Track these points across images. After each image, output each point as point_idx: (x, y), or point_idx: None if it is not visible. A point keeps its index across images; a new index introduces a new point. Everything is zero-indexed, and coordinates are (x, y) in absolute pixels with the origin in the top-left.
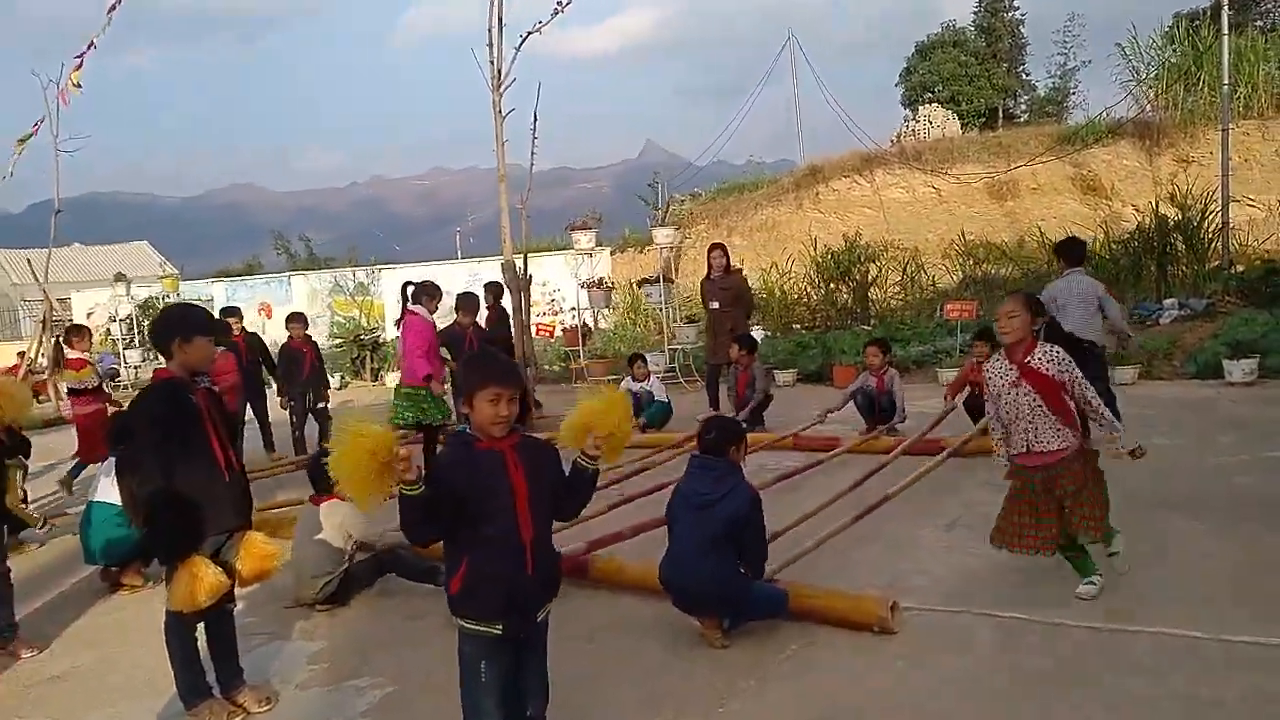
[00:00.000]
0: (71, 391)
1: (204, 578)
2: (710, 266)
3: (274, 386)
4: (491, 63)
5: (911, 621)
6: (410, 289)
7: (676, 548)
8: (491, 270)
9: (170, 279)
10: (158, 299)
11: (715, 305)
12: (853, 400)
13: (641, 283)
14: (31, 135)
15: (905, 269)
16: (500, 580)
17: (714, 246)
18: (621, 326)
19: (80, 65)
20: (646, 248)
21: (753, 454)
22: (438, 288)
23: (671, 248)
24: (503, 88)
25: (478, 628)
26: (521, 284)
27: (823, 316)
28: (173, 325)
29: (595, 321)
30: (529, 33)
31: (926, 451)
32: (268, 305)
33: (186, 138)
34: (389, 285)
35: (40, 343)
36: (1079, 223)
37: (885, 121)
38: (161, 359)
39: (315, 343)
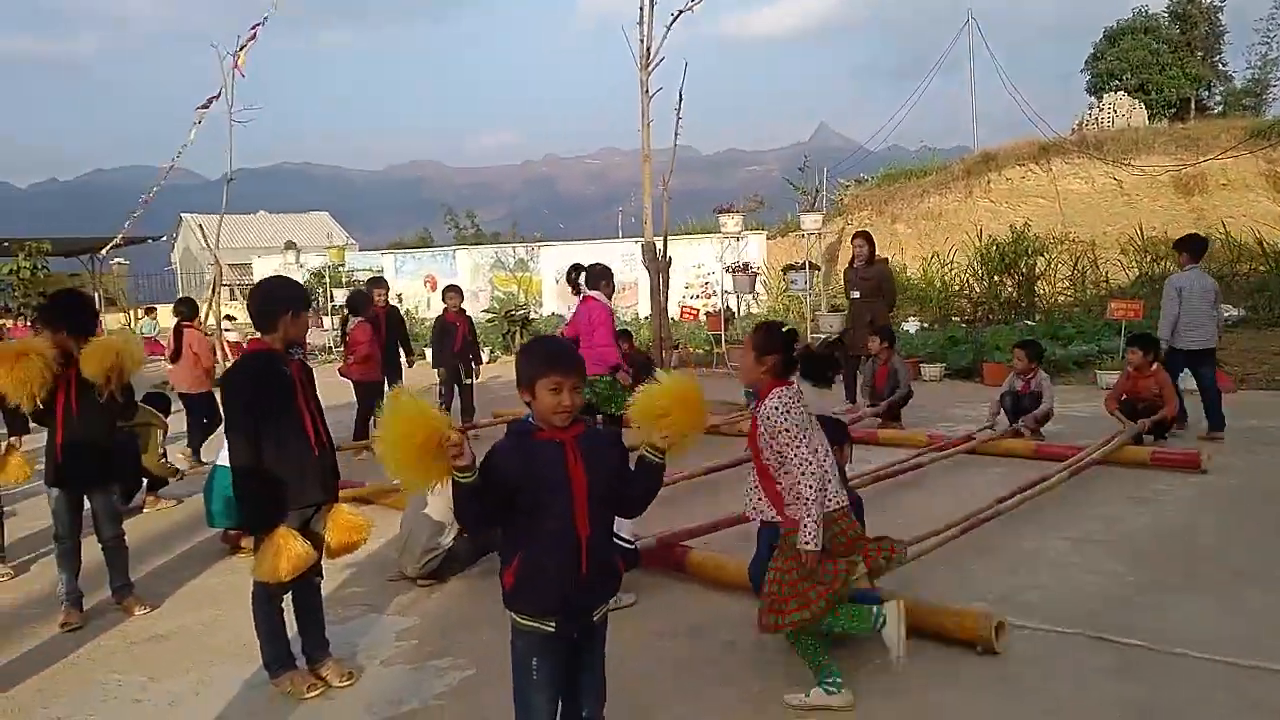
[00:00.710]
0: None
1: (289, 550)
2: (854, 255)
3: (406, 361)
4: (641, 41)
5: (1020, 642)
6: (581, 274)
7: (763, 549)
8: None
9: (337, 249)
10: (326, 268)
11: (856, 295)
12: (1000, 403)
13: (786, 269)
14: (208, 106)
15: (1077, 263)
16: (553, 576)
17: (857, 234)
18: (774, 312)
19: (254, 37)
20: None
21: (881, 446)
22: (611, 272)
23: (818, 234)
24: (651, 66)
25: (530, 623)
26: (660, 266)
27: (985, 310)
28: (284, 298)
29: (739, 306)
30: (680, 11)
31: (1059, 457)
32: (433, 278)
33: (375, 115)
34: (547, 262)
35: (211, 305)
36: (1269, 222)
37: (1067, 109)
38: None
39: (469, 316)
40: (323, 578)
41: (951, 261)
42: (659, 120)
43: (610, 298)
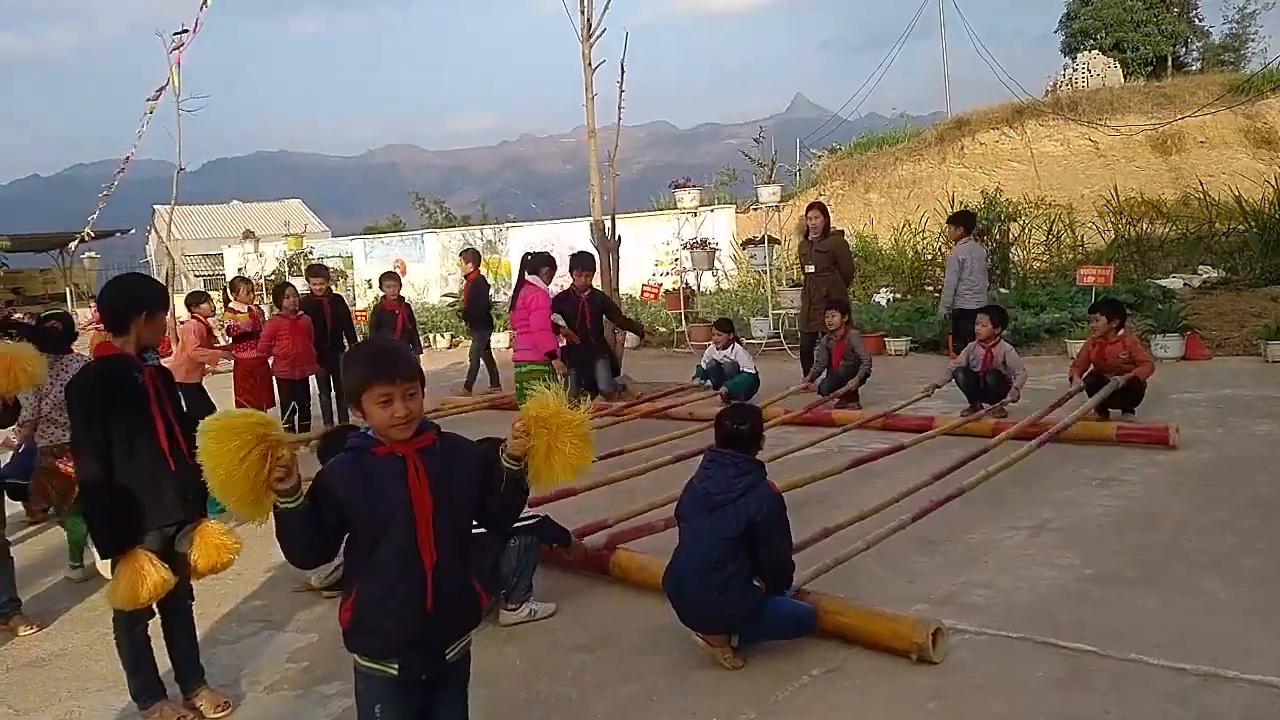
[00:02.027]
0: (240, 337)
1: (147, 574)
2: (808, 227)
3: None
4: (582, 12)
5: (961, 648)
6: (529, 258)
7: (681, 554)
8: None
9: (294, 238)
10: (289, 256)
11: (811, 269)
12: (955, 378)
13: (745, 243)
14: (156, 97)
15: (1051, 228)
16: (393, 611)
17: (811, 206)
18: (744, 288)
19: (195, 28)
20: (782, 204)
21: (835, 436)
22: (552, 259)
23: (777, 206)
24: (592, 39)
25: (371, 665)
26: (610, 245)
27: None
28: (136, 298)
29: (698, 284)
30: None
31: (1030, 437)
32: (402, 262)
33: (352, 101)
34: (516, 244)
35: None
36: (1250, 178)
37: (1042, 72)
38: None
39: (408, 304)
40: (193, 599)
41: (924, 230)
42: (606, 94)
43: (549, 282)
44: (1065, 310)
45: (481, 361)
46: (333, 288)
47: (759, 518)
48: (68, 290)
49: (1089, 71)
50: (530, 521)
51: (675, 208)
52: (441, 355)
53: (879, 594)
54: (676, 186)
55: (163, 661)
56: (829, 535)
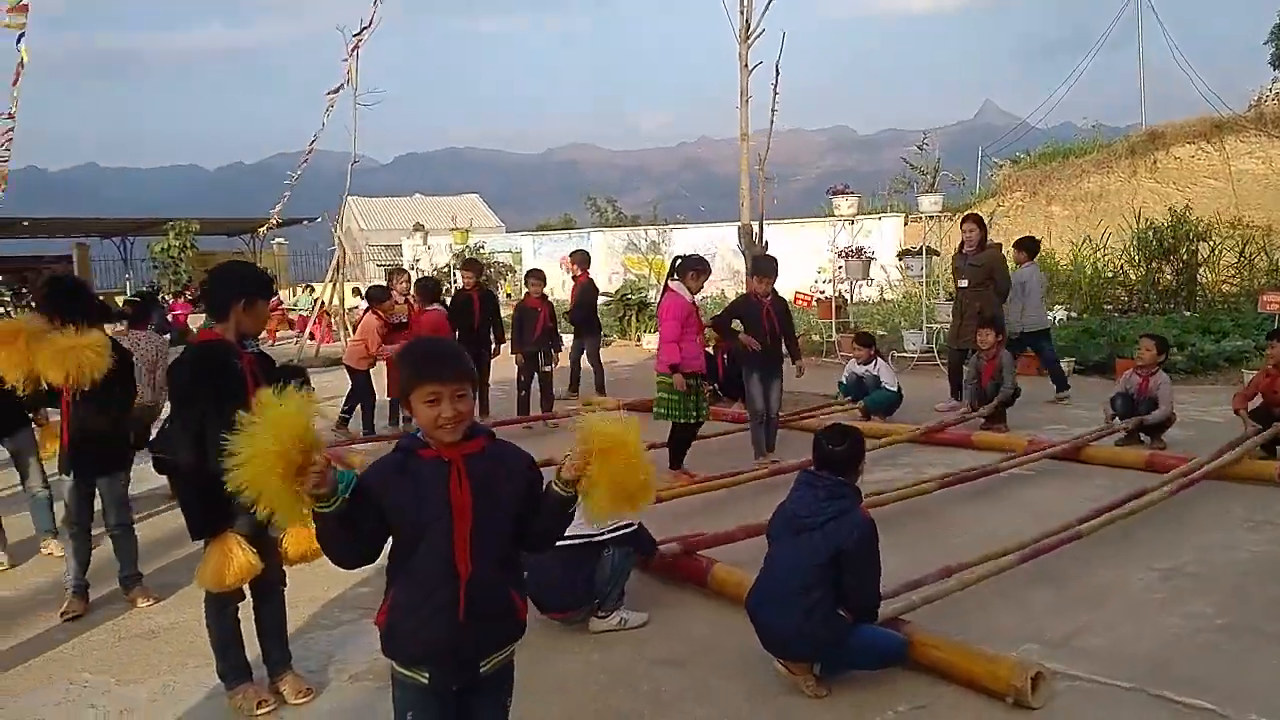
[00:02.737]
0: (396, 328)
1: (234, 557)
2: (963, 240)
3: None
4: (741, 13)
5: (1065, 695)
6: (678, 262)
7: (766, 576)
8: (794, 234)
9: (460, 232)
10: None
11: (964, 284)
12: (1111, 404)
13: (902, 254)
14: (337, 91)
15: (1244, 249)
16: (425, 619)
17: (967, 217)
18: (908, 299)
19: (370, 24)
20: (957, 214)
21: (976, 450)
22: (705, 263)
23: (936, 216)
24: (751, 39)
25: (403, 672)
26: (757, 251)
27: (1140, 298)
28: (236, 284)
29: (852, 293)
30: None
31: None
32: (566, 259)
33: (538, 99)
34: (680, 245)
35: (334, 286)
36: None
37: (1247, 85)
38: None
39: (551, 303)
40: (285, 585)
41: (1105, 246)
42: (761, 96)
43: (696, 291)
44: (1250, 339)
45: (590, 365)
46: (497, 282)
47: (847, 545)
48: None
49: None
50: (626, 531)
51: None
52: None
53: (987, 629)
54: (834, 193)
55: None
56: (950, 575)
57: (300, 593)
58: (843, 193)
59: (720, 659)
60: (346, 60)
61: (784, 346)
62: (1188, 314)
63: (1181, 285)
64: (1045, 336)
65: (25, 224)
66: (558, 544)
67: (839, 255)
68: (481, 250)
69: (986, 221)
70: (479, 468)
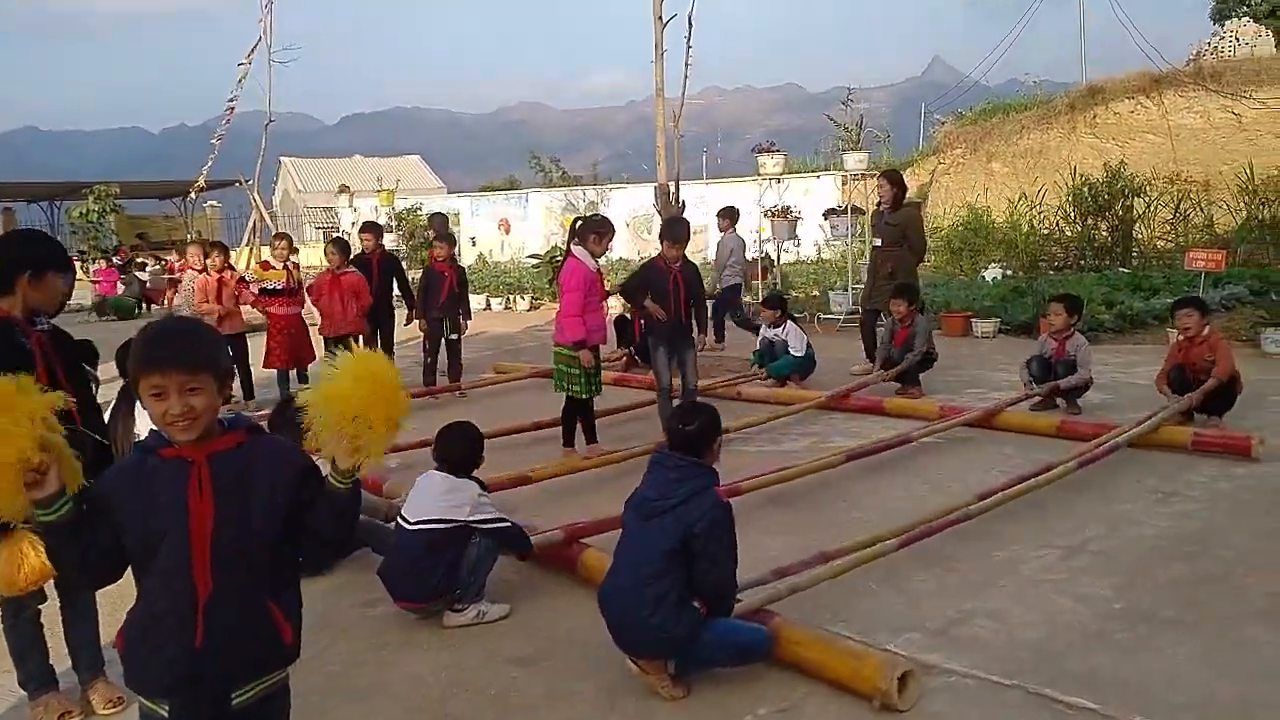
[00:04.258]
0: (268, 292)
1: (26, 558)
2: (879, 198)
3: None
4: None
5: (938, 694)
6: (577, 224)
7: (614, 566)
8: (724, 194)
9: (386, 193)
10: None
11: (878, 243)
12: (1027, 368)
13: (828, 213)
14: (252, 52)
15: (1179, 205)
16: (157, 646)
17: (883, 174)
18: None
19: None
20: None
21: (888, 417)
22: (608, 223)
23: (861, 175)
24: None
25: (146, 704)
26: (673, 211)
27: (1076, 256)
28: (21, 256)
29: (778, 256)
30: None
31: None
32: (506, 221)
33: (487, 57)
34: (619, 205)
35: (249, 251)
36: None
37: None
38: None
39: (460, 266)
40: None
41: (1041, 203)
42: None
43: (601, 255)
44: (1180, 295)
45: None
46: (432, 244)
47: (698, 528)
48: (189, 235)
49: (1238, 40)
50: (497, 525)
51: (795, 173)
52: (522, 317)
53: (868, 615)
54: (759, 151)
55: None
56: (828, 561)
57: (117, 596)
58: (768, 150)
59: (579, 656)
60: (261, 19)
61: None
62: (1124, 270)
63: (1117, 242)
64: (735, 292)
65: None
66: (420, 525)
67: (764, 215)
68: (419, 212)
69: (906, 178)
70: (229, 468)
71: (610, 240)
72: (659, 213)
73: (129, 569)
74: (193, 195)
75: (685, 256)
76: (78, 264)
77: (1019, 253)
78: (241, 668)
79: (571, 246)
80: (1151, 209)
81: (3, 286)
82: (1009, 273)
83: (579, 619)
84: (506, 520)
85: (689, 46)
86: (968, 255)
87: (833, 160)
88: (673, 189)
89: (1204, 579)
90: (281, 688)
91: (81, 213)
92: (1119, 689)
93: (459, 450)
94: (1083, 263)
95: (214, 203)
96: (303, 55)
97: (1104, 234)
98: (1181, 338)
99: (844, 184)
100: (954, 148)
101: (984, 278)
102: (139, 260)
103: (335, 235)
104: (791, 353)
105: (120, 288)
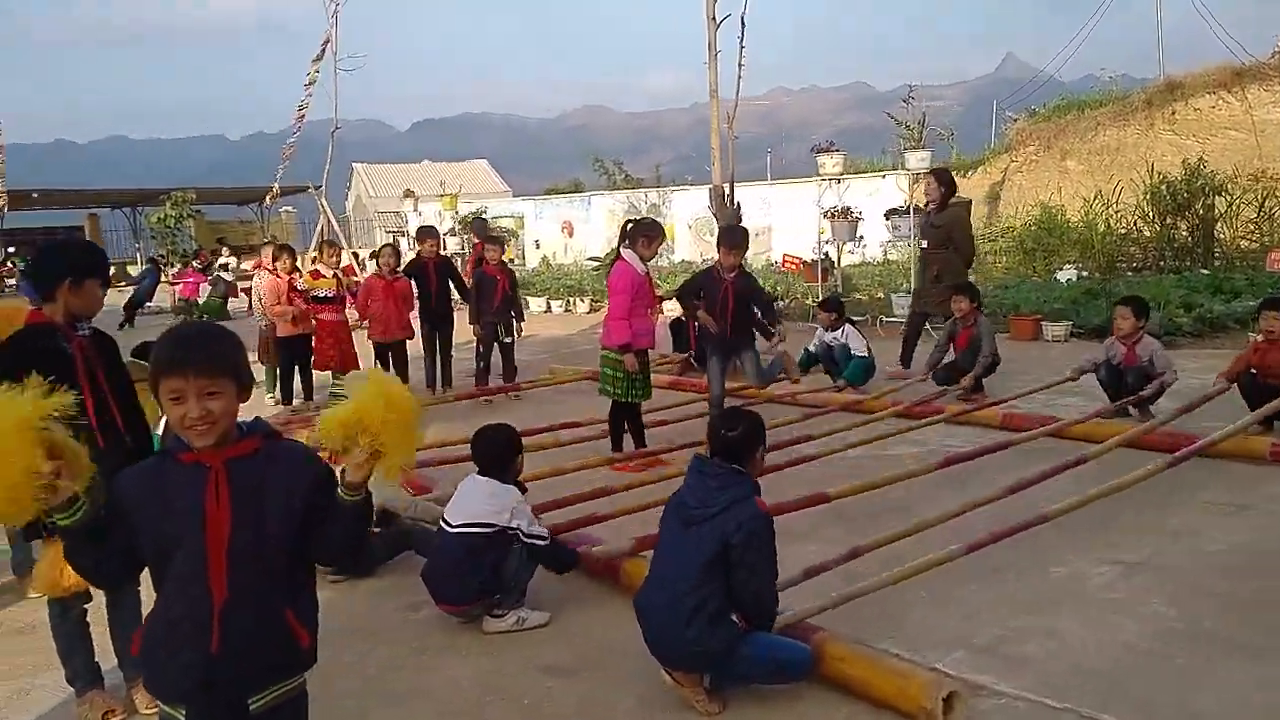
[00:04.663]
0: (316, 299)
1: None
2: (927, 199)
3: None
4: None
5: (986, 717)
6: (628, 226)
7: (652, 573)
8: (786, 195)
9: (449, 198)
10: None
11: (925, 244)
12: (1095, 373)
13: (889, 213)
14: (320, 58)
15: (1263, 203)
16: (174, 652)
17: (932, 172)
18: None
19: None
20: (969, 173)
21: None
22: (658, 226)
23: (923, 175)
24: None
25: (165, 709)
26: (728, 215)
27: (1155, 257)
28: (63, 265)
29: (840, 255)
30: None
31: (1164, 448)
32: (569, 223)
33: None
34: (681, 207)
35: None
36: None
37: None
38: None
39: (511, 271)
40: (139, 585)
41: (1118, 202)
42: (762, 55)
43: (650, 259)
44: (1266, 296)
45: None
46: (501, 246)
47: (735, 539)
48: (264, 239)
49: None
50: (533, 543)
51: (855, 172)
52: (581, 319)
53: (917, 632)
54: (818, 151)
55: None
56: (856, 557)
57: None
58: (827, 150)
59: (616, 667)
60: (327, 30)
61: (753, 328)
62: (1204, 272)
63: (1198, 242)
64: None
65: (35, 195)
66: (461, 529)
67: (824, 216)
68: (483, 215)
69: (978, 176)
70: (247, 473)
71: (660, 244)
72: (714, 215)
73: (144, 572)
74: (268, 201)
75: (742, 266)
76: (158, 268)
77: (1095, 253)
78: (257, 673)
79: (621, 249)
80: (1234, 208)
81: (46, 294)
82: (1084, 274)
83: (618, 629)
84: (545, 537)
85: (742, 47)
86: (1041, 256)
87: (899, 160)
88: (727, 190)
89: (1275, 601)
90: (299, 693)
91: (160, 218)
92: (1177, 716)
93: (493, 452)
94: (1161, 264)
95: (289, 208)
96: (374, 64)
97: (1184, 234)
98: (1262, 339)
99: (912, 183)
100: (1027, 145)
101: (1058, 279)
102: (222, 262)
103: (385, 242)
104: (858, 354)
105: (205, 290)
